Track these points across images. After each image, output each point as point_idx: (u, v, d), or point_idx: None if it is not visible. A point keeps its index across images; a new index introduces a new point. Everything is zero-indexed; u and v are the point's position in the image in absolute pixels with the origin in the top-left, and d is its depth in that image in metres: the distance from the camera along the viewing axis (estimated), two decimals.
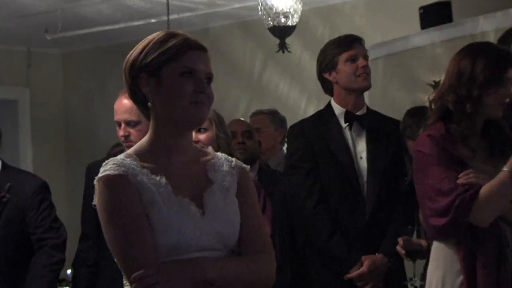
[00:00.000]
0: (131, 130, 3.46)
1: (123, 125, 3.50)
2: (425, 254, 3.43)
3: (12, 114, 7.97)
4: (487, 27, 5.40)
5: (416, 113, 3.81)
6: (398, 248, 3.43)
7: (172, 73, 2.23)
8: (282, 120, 5.14)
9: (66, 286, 6.87)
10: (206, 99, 2.25)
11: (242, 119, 4.61)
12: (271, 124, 5.10)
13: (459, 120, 2.96)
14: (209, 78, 2.28)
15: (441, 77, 5.72)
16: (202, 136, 3.40)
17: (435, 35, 5.75)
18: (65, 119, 8.24)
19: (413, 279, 3.45)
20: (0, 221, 3.89)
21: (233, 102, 6.93)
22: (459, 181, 2.88)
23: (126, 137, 3.46)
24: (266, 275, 2.28)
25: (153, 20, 6.40)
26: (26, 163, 7.85)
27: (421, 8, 5.92)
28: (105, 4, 6.49)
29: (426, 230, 3.18)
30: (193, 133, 3.49)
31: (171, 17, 5.58)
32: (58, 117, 8.22)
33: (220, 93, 7.29)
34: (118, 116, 3.53)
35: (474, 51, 3.02)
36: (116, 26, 6.65)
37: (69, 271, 6.95)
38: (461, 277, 2.92)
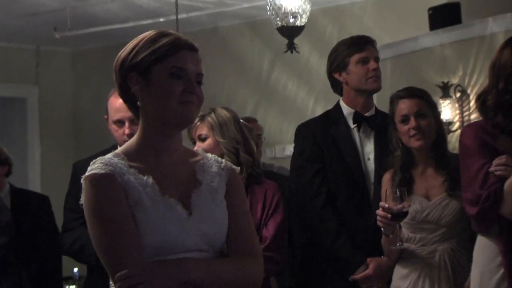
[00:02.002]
0: (135, 128, 3.39)
1: (127, 123, 3.42)
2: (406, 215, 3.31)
3: (20, 112, 7.99)
4: (496, 29, 5.39)
5: None
6: (380, 212, 3.28)
7: (162, 72, 2.21)
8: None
9: (73, 284, 6.88)
10: (195, 99, 2.23)
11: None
12: None
13: (496, 112, 2.98)
14: (199, 78, 2.26)
15: (449, 79, 5.76)
16: (203, 145, 3.37)
17: (444, 36, 5.74)
18: (73, 117, 8.23)
19: (399, 243, 3.33)
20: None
21: (241, 101, 6.92)
22: (490, 169, 2.89)
23: (130, 135, 3.31)
24: (252, 277, 2.25)
25: (161, 19, 6.41)
26: (34, 162, 7.86)
27: (430, 9, 5.92)
28: (114, 3, 6.50)
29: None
30: (196, 143, 3.48)
31: (179, 16, 5.58)
32: (66, 116, 8.22)
33: (228, 92, 7.29)
34: (121, 114, 3.42)
35: (503, 45, 3.06)
36: (125, 25, 6.66)
37: (75, 269, 6.97)
38: (501, 271, 2.89)
